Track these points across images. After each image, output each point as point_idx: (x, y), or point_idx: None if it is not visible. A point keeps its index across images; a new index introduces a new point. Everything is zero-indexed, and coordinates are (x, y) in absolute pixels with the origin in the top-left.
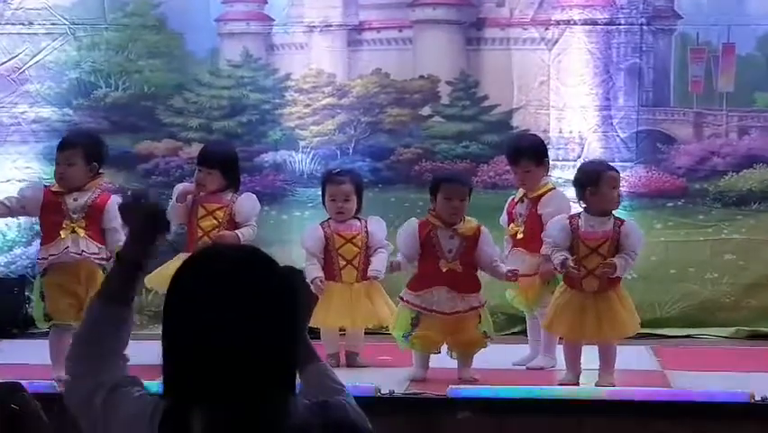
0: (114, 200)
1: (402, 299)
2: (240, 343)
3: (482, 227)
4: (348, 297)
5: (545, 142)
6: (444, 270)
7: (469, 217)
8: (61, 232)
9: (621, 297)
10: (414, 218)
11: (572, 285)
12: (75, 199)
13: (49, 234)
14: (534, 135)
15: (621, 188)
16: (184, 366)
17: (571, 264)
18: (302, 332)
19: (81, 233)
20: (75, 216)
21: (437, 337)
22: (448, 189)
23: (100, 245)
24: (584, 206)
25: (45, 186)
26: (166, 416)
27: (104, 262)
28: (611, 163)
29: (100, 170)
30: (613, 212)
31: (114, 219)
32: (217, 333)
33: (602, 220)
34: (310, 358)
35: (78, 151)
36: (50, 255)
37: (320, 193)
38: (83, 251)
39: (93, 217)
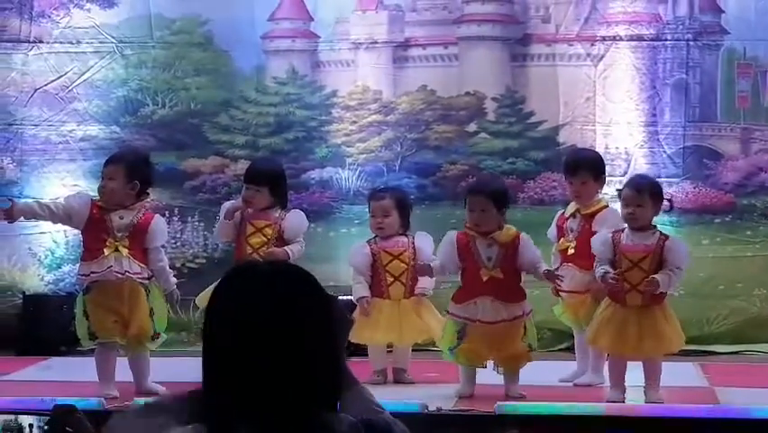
0: (159, 220)
1: (448, 312)
2: (279, 360)
3: (522, 234)
4: (396, 313)
5: None
6: (485, 279)
7: (508, 225)
8: (105, 249)
9: (666, 313)
10: (453, 230)
11: (616, 299)
12: (121, 218)
13: (91, 250)
14: (595, 151)
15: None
16: (223, 383)
17: (611, 277)
18: (341, 352)
19: (124, 252)
20: (119, 234)
21: (482, 351)
22: (469, 201)
23: (142, 265)
24: None
25: (92, 199)
26: None
27: (146, 282)
28: (659, 179)
29: (147, 191)
30: (658, 227)
31: (157, 239)
32: (255, 351)
33: (644, 235)
34: (350, 382)
35: (121, 167)
36: (92, 272)
37: (367, 210)
38: (126, 270)
39: (136, 237)
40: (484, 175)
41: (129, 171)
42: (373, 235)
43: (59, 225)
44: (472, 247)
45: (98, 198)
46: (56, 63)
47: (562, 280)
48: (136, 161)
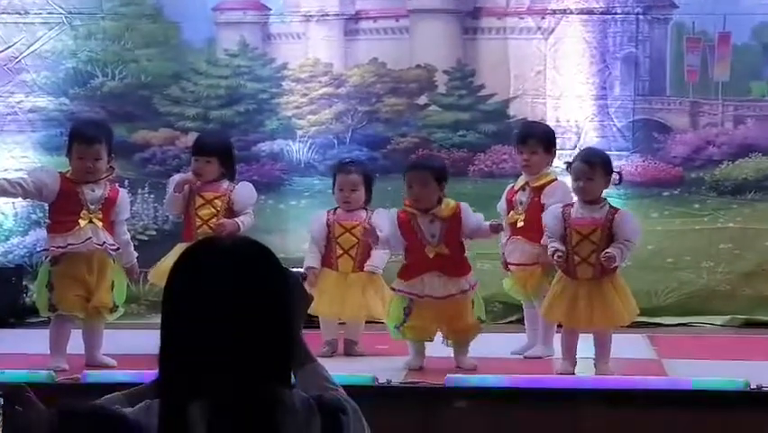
0: (124, 193)
1: (394, 289)
2: (236, 336)
3: (461, 204)
4: (342, 286)
5: None
6: (431, 255)
7: (447, 199)
8: (80, 222)
9: (617, 286)
10: (394, 209)
11: (567, 273)
12: (92, 190)
13: (63, 222)
14: (547, 124)
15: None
16: (181, 359)
17: (557, 257)
18: (297, 329)
19: (99, 224)
20: (92, 206)
21: (429, 326)
22: (408, 176)
23: (112, 237)
24: None
25: (60, 172)
26: (163, 414)
27: (113, 253)
28: (609, 152)
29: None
30: (608, 200)
31: (124, 212)
32: (214, 326)
33: (593, 208)
34: (306, 359)
35: (104, 145)
36: (69, 244)
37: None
38: (104, 242)
39: (107, 209)
40: (421, 154)
41: (108, 148)
42: (333, 206)
43: (27, 200)
44: (414, 225)
45: (70, 172)
46: (4, 34)
47: (503, 228)
48: (110, 136)
